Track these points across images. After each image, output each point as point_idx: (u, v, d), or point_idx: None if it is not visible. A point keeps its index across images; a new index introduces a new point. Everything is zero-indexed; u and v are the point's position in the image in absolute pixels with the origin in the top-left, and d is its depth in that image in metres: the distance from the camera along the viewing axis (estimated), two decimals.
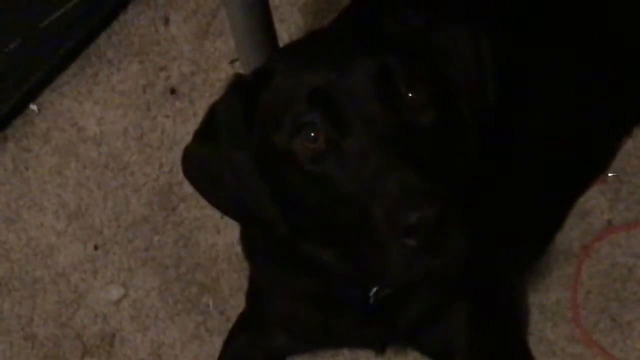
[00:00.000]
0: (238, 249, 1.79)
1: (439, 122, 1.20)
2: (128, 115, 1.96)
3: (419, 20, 1.28)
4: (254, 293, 1.60)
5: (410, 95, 1.19)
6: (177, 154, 1.87)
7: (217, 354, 1.69)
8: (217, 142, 1.26)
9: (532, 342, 1.66)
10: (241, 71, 1.95)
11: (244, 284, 1.76)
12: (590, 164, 1.76)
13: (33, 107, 1.99)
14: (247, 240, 1.52)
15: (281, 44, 1.85)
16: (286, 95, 1.21)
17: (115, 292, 1.79)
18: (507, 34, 1.50)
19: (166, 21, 2.05)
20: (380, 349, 1.55)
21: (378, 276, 1.22)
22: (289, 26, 2.02)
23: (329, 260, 1.31)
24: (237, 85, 1.28)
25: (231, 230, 1.82)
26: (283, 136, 1.20)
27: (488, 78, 1.29)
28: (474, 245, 1.14)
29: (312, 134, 1.18)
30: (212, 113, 1.30)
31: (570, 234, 1.74)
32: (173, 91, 1.98)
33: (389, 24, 1.27)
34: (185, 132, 1.92)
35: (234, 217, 1.38)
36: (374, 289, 1.39)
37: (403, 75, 1.19)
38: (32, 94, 1.99)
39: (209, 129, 1.29)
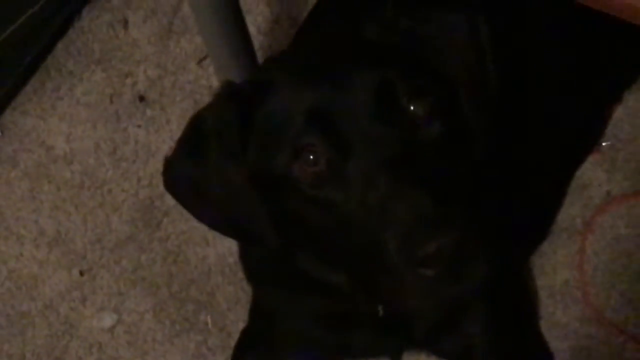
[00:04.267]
0: (230, 260, 1.74)
1: (444, 133, 1.13)
2: (97, 129, 1.87)
3: (402, 19, 1.20)
4: (258, 312, 1.54)
5: (412, 108, 1.12)
6: (155, 166, 1.81)
7: None
8: (205, 155, 1.18)
9: (544, 327, 1.63)
10: (211, 70, 1.87)
11: (241, 296, 1.71)
12: (584, 134, 1.72)
13: None
14: (248, 262, 1.45)
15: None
16: (283, 114, 1.14)
17: (108, 319, 1.72)
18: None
19: (125, 24, 1.95)
20: (395, 357, 1.51)
21: (392, 303, 1.17)
22: (255, 17, 1.92)
23: (335, 281, 1.25)
24: (231, 94, 1.19)
25: (221, 241, 1.75)
26: (281, 159, 1.12)
27: (488, 64, 1.21)
28: (494, 260, 1.09)
29: (312, 157, 1.11)
30: (198, 122, 1.20)
31: (571, 210, 1.70)
32: (142, 98, 1.88)
33: (372, 31, 1.19)
34: (160, 141, 1.84)
35: (221, 232, 1.30)
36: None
37: (404, 89, 1.12)
38: None
39: (195, 140, 1.20)
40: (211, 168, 1.17)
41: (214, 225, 1.26)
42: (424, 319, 1.40)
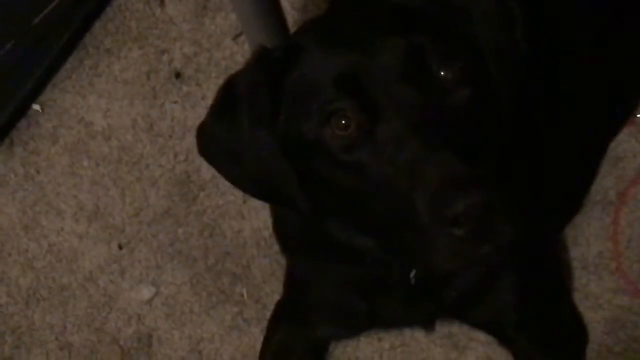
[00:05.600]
0: (266, 233, 1.76)
1: (473, 98, 1.14)
2: (135, 106, 1.89)
3: None
4: (293, 284, 1.56)
5: (442, 73, 1.13)
6: (191, 141, 1.83)
7: (257, 344, 1.66)
8: (237, 118, 1.19)
9: (578, 299, 1.63)
10: (246, 46, 1.88)
11: (276, 268, 1.73)
12: (619, 106, 1.70)
13: (36, 107, 1.92)
14: (282, 234, 1.47)
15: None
16: (314, 78, 1.15)
17: (147, 292, 1.75)
18: None
19: (161, 2, 1.97)
20: (429, 326, 1.52)
21: (423, 265, 1.18)
22: None
23: (366, 246, 1.26)
24: (263, 58, 1.20)
25: (256, 214, 1.77)
26: (312, 124, 1.14)
27: (518, 32, 1.21)
28: (523, 223, 1.09)
29: (343, 122, 1.12)
30: (231, 86, 1.22)
31: (605, 182, 1.69)
32: (178, 75, 1.91)
33: None
34: (197, 117, 1.86)
35: (253, 195, 1.32)
36: (414, 270, 1.35)
37: (433, 54, 1.12)
38: (34, 94, 1.92)
39: (227, 105, 1.22)
40: (243, 133, 1.19)
41: (246, 188, 1.28)
42: (454, 285, 1.41)
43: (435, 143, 1.07)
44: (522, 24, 1.21)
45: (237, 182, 1.27)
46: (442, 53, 1.13)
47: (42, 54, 1.91)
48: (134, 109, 1.89)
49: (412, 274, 1.35)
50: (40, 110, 1.92)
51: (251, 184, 1.24)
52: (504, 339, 1.55)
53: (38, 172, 1.87)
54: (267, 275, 1.74)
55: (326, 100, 1.13)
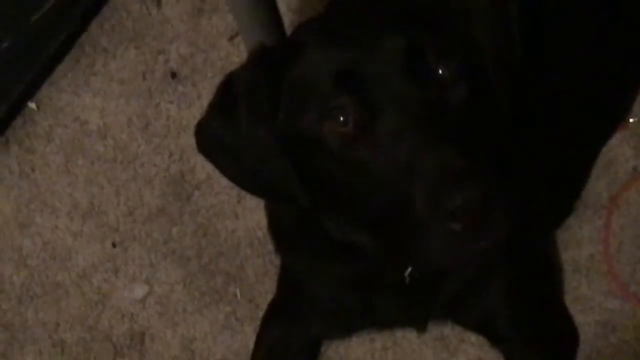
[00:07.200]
0: (259, 233, 1.76)
1: (471, 94, 1.15)
2: (130, 105, 1.90)
3: None
4: (287, 281, 1.57)
5: (440, 71, 1.14)
6: (186, 141, 1.85)
7: (250, 343, 1.66)
8: (236, 115, 1.20)
9: (569, 301, 1.64)
10: (242, 47, 1.89)
11: (270, 268, 1.73)
12: (612, 110, 1.72)
13: (32, 105, 1.93)
14: (276, 231, 1.47)
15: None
16: (313, 75, 1.16)
17: (140, 290, 1.76)
18: None
19: (158, 2, 1.98)
20: (421, 327, 1.53)
21: (419, 260, 1.19)
22: None
23: (362, 243, 1.27)
24: (262, 55, 1.21)
25: (250, 214, 1.78)
26: (311, 120, 1.15)
27: (513, 28, 1.22)
28: (518, 220, 1.10)
29: (342, 118, 1.13)
30: (230, 83, 1.23)
31: (597, 185, 1.70)
32: (174, 75, 1.91)
33: None
34: (192, 116, 1.87)
35: (251, 191, 1.32)
36: (409, 269, 1.36)
37: (432, 51, 1.14)
38: (30, 92, 1.92)
39: (227, 101, 1.22)
40: (242, 129, 1.19)
41: (245, 185, 1.29)
42: (447, 285, 1.42)
43: (433, 137, 1.08)
44: (516, 21, 1.22)
45: (236, 178, 1.28)
46: (441, 50, 1.14)
47: (39, 51, 1.92)
48: (129, 108, 1.90)
49: (407, 272, 1.36)
50: (36, 108, 1.93)
51: (250, 180, 1.25)
52: (495, 340, 1.56)
53: (33, 170, 1.88)
54: (261, 275, 1.74)
55: (325, 97, 1.14)
